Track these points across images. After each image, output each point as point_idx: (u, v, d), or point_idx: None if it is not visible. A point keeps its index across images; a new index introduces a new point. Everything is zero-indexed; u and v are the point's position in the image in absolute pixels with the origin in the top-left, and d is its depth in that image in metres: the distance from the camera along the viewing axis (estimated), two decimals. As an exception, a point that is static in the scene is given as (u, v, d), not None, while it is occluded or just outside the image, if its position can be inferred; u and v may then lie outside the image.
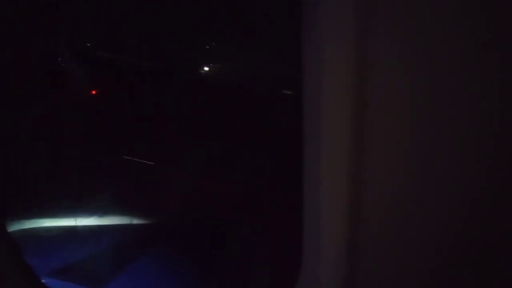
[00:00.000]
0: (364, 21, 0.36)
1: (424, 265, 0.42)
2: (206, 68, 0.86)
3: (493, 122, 0.39)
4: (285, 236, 0.77)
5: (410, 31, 0.37)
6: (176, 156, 0.89)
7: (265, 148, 0.82)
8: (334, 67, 0.36)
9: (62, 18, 0.85)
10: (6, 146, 0.84)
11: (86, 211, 0.89)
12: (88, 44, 0.89)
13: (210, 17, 0.78)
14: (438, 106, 0.38)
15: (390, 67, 0.37)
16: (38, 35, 0.86)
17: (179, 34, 0.81)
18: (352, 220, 0.39)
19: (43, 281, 0.75)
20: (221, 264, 0.85)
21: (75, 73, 0.89)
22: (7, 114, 0.84)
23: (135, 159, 0.89)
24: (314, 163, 0.39)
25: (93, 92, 0.90)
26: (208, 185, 0.87)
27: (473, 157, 0.40)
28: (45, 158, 0.87)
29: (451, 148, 0.39)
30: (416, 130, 0.38)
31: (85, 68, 0.89)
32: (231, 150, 0.86)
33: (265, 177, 0.83)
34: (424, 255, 0.42)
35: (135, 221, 0.91)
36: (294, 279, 0.46)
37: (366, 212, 0.39)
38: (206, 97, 0.87)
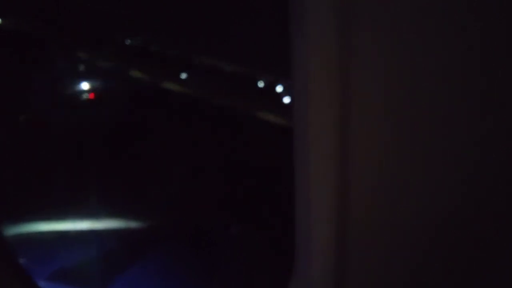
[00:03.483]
0: (348, 21, 0.36)
1: (413, 262, 0.42)
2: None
3: (481, 121, 0.40)
4: (276, 235, 0.77)
5: (395, 31, 0.37)
6: (170, 158, 0.89)
7: (255, 148, 0.83)
8: (319, 70, 0.36)
9: (59, 22, 0.85)
10: (1, 150, 0.84)
11: (82, 215, 0.89)
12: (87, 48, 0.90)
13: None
14: (424, 105, 0.39)
15: (375, 67, 0.37)
16: (36, 40, 0.87)
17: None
18: (341, 219, 0.40)
19: (39, 285, 0.75)
20: (214, 265, 0.85)
21: (72, 77, 0.89)
22: (2, 118, 0.85)
23: (130, 163, 0.89)
24: (304, 163, 0.39)
25: (91, 96, 0.90)
26: (199, 187, 0.88)
27: (460, 155, 0.40)
28: (40, 162, 0.87)
29: (438, 146, 0.40)
30: (402, 129, 0.39)
31: (82, 72, 0.89)
32: (221, 151, 0.86)
33: (255, 177, 0.83)
34: (413, 253, 0.42)
35: (131, 225, 0.91)
36: (287, 278, 0.46)
37: (355, 211, 0.40)
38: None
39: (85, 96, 0.89)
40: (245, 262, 0.83)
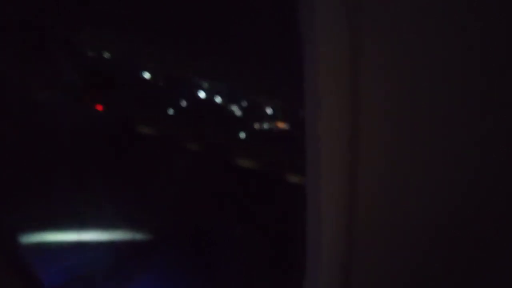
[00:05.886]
0: (358, 24, 0.37)
1: (424, 265, 0.42)
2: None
3: (491, 123, 0.40)
4: (276, 235, 0.77)
5: (405, 33, 0.38)
6: (171, 159, 0.89)
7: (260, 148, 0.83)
8: (330, 72, 0.37)
9: (61, 22, 0.85)
10: (10, 158, 0.84)
11: (89, 225, 0.89)
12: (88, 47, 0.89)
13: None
14: (433, 107, 0.39)
15: (385, 69, 0.38)
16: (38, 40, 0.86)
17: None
18: (351, 221, 0.40)
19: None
20: (214, 266, 0.85)
21: (73, 77, 0.89)
22: (9, 123, 0.85)
23: (131, 164, 0.89)
24: (314, 166, 0.40)
25: (94, 97, 0.90)
26: (199, 188, 0.88)
27: (470, 157, 0.40)
28: (48, 170, 0.87)
29: (447, 149, 0.40)
30: (412, 132, 0.39)
31: (84, 72, 0.89)
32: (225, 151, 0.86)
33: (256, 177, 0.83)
34: (425, 256, 0.42)
35: (132, 226, 0.91)
36: (287, 278, 0.46)
37: (364, 213, 0.40)
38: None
39: (89, 97, 0.89)
40: (246, 263, 0.83)
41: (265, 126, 0.90)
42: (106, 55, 0.90)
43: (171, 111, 0.92)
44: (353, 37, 0.37)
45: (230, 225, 0.86)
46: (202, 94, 0.92)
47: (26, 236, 0.87)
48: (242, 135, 0.89)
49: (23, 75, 0.86)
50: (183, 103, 0.92)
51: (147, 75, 0.92)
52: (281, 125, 0.90)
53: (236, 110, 0.91)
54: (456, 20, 0.39)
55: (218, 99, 0.92)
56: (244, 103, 0.92)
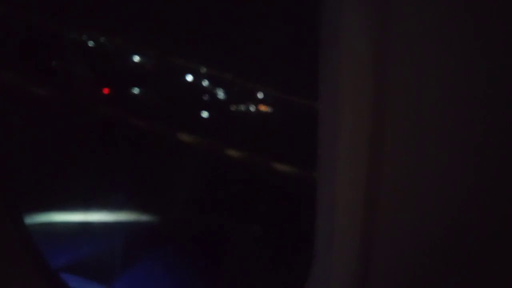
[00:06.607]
0: (381, 24, 0.36)
1: (439, 265, 0.42)
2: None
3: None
4: (284, 235, 0.77)
5: (428, 33, 0.37)
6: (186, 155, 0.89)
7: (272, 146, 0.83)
8: (351, 70, 0.36)
9: (69, 15, 0.85)
10: (20, 142, 0.83)
11: (98, 207, 0.89)
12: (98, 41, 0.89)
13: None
14: (457, 108, 0.38)
15: (408, 69, 0.36)
16: (45, 33, 0.86)
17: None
18: (366, 218, 0.39)
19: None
20: (228, 263, 0.85)
21: (84, 72, 0.88)
22: (20, 110, 0.84)
23: (146, 156, 0.89)
24: (330, 161, 0.39)
25: (105, 91, 0.90)
26: (209, 187, 0.88)
27: (493, 157, 0.39)
28: (58, 154, 0.87)
29: (470, 150, 0.39)
30: (434, 132, 0.38)
31: (94, 67, 0.89)
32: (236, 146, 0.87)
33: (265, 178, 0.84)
34: (439, 256, 0.42)
35: (145, 218, 0.91)
36: (305, 276, 0.46)
37: (381, 211, 0.39)
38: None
39: (98, 90, 0.89)
40: (253, 261, 0.84)
41: (243, 108, 0.91)
42: (108, 46, 0.90)
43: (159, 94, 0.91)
44: (377, 35, 0.35)
45: (240, 224, 0.86)
46: (189, 78, 0.91)
47: (35, 218, 0.86)
48: (205, 114, 0.90)
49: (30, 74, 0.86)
50: (166, 86, 0.92)
51: (137, 59, 0.91)
52: (264, 108, 0.90)
53: (220, 93, 0.91)
54: (480, 18, 0.38)
55: (205, 83, 0.92)
56: (236, 88, 0.93)
